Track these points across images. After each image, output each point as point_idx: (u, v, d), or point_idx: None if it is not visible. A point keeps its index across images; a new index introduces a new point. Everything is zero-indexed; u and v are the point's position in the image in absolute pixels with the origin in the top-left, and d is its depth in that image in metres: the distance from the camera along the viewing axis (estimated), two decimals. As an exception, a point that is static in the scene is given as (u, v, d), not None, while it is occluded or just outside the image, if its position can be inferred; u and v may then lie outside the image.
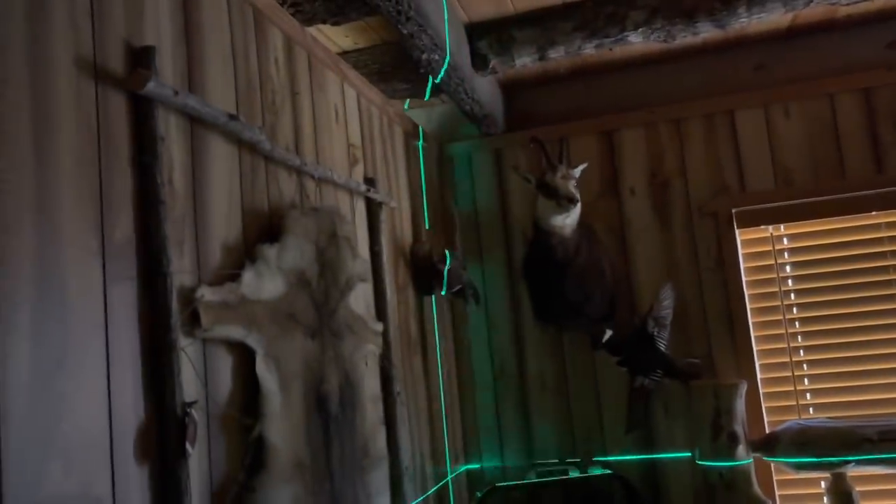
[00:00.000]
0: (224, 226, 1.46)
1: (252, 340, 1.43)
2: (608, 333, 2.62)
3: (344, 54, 2.40)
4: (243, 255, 1.49)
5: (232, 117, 1.43)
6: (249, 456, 1.42)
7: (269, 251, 1.52)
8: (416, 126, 2.84)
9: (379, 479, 1.94)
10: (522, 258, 2.89)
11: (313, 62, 1.98)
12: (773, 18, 2.41)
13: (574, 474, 2.52)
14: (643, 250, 2.82)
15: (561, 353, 2.88)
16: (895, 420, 2.44)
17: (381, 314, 2.17)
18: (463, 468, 2.85)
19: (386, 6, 1.80)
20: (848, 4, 2.30)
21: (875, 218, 2.65)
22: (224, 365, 1.40)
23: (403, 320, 2.41)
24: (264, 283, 1.49)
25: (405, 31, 1.96)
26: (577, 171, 2.67)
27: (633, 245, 2.84)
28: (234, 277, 1.42)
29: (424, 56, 2.12)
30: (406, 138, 2.72)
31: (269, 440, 1.44)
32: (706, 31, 2.37)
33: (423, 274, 2.59)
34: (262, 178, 1.63)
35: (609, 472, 2.51)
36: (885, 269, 2.62)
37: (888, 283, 2.62)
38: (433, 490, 2.47)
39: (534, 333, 2.90)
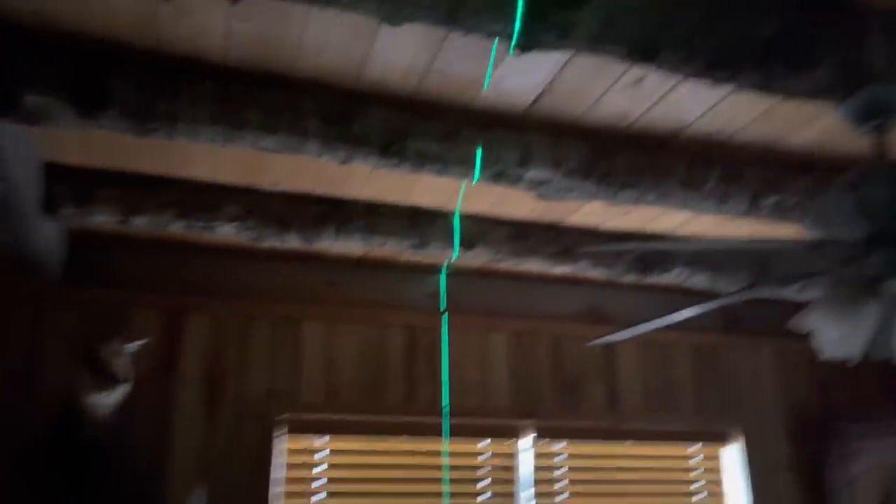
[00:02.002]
0: None
1: None
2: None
3: None
4: None
5: None
6: None
7: None
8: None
9: None
10: (42, 438, 2.44)
11: None
12: (351, 247, 2.65)
13: None
14: (186, 445, 2.63)
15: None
16: None
17: None
18: None
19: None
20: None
21: (405, 444, 2.92)
22: None
23: None
24: None
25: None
26: (133, 348, 2.46)
27: (176, 438, 2.63)
28: None
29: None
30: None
31: None
32: (293, 244, 2.50)
33: None
34: None
35: None
36: (412, 495, 2.86)
37: (403, 507, 2.85)
38: None
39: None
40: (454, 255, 2.56)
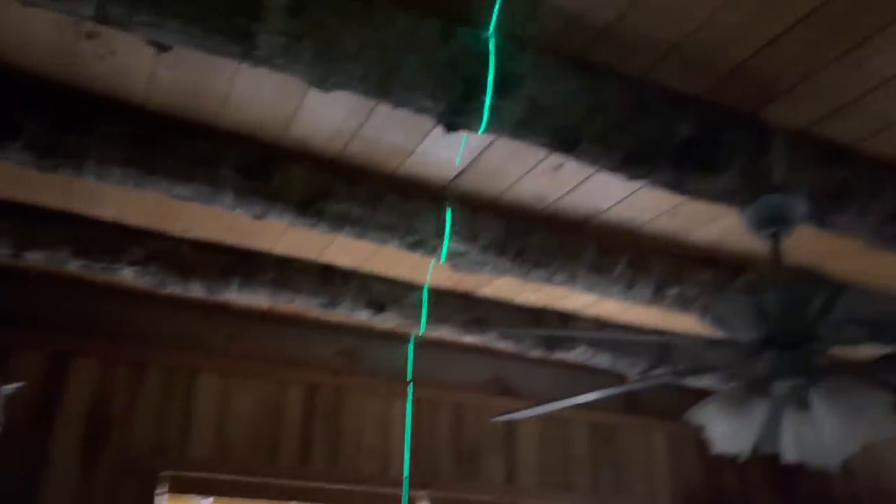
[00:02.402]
0: None
1: None
2: None
3: None
4: None
5: None
6: None
7: None
8: None
9: None
10: None
11: None
12: (257, 300, 2.58)
13: None
14: (58, 501, 2.43)
15: None
16: None
17: None
18: None
19: None
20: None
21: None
22: None
23: None
24: None
25: None
26: (7, 391, 2.28)
27: (48, 492, 2.43)
28: None
29: None
30: None
31: None
32: (197, 293, 2.41)
33: None
34: None
35: None
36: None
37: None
38: None
39: None
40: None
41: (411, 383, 3.01)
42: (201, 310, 2.87)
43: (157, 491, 2.57)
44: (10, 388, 2.29)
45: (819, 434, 1.47)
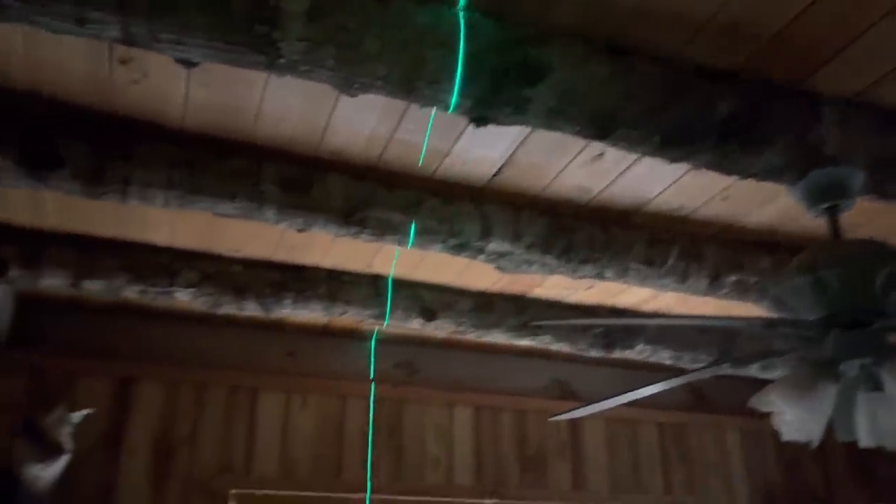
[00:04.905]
0: None
1: None
2: None
3: None
4: None
5: None
6: None
7: None
8: None
9: None
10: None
11: None
12: (312, 316, 2.60)
13: None
14: (126, 522, 2.50)
15: None
16: None
17: None
18: None
19: None
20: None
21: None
22: None
23: None
24: None
25: None
26: (77, 417, 2.35)
27: (117, 514, 2.50)
28: None
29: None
30: None
31: None
32: (252, 311, 2.43)
33: None
34: None
35: None
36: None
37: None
38: None
39: None
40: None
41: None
42: (259, 329, 2.91)
43: (225, 509, 2.61)
44: (79, 414, 2.37)
45: (894, 415, 1.38)
